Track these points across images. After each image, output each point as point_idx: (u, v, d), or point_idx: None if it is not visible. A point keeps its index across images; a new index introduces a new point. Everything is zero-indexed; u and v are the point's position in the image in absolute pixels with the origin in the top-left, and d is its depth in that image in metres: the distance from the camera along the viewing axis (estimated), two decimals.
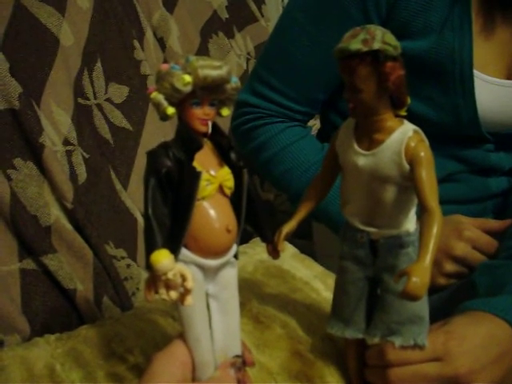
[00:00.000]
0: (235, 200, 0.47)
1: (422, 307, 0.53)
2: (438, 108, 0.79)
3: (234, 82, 0.44)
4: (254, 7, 1.30)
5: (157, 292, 0.42)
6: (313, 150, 0.85)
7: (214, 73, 0.41)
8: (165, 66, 0.42)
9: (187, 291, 0.42)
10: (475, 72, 0.76)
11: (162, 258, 0.41)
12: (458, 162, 0.84)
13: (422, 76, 0.77)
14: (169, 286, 0.41)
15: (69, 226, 0.76)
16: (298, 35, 0.83)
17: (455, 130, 0.81)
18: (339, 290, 0.56)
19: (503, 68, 0.79)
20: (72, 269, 0.76)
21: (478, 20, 0.76)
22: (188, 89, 0.41)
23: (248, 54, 1.27)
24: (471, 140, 0.82)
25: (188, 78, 0.41)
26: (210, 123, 0.44)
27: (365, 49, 0.43)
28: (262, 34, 1.30)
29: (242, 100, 0.89)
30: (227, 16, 1.24)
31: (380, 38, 0.43)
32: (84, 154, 0.82)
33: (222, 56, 1.18)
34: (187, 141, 0.43)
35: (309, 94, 0.86)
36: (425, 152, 0.46)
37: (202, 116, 0.43)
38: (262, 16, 1.33)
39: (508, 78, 0.79)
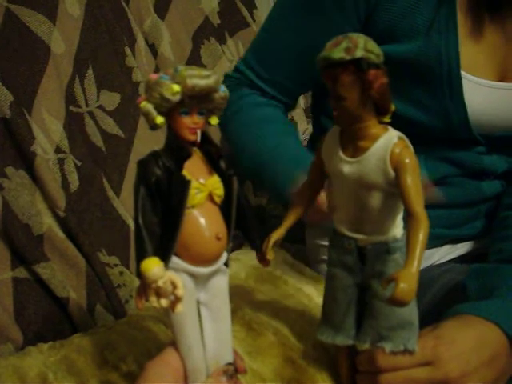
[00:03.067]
0: (225, 208, 0.47)
1: (412, 312, 0.53)
2: (428, 111, 0.79)
3: (223, 91, 0.44)
4: (245, 12, 1.31)
5: (147, 300, 0.42)
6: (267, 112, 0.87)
7: (202, 82, 0.42)
8: (154, 76, 0.43)
9: (178, 299, 0.42)
10: (465, 74, 0.76)
11: (153, 265, 0.41)
12: (451, 165, 0.84)
13: (411, 79, 0.77)
14: (159, 293, 0.41)
15: (61, 235, 0.76)
16: (281, 25, 0.86)
17: (446, 132, 0.80)
18: (329, 297, 0.57)
19: (494, 70, 0.79)
20: (65, 277, 0.75)
21: (466, 22, 0.76)
22: (177, 98, 0.42)
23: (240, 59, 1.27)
24: (463, 142, 0.82)
25: (177, 88, 0.41)
26: (198, 132, 0.44)
27: (348, 57, 0.43)
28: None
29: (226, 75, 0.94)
30: (219, 21, 1.24)
31: (362, 46, 0.43)
32: (76, 161, 0.82)
33: (213, 62, 1.19)
34: (176, 149, 0.44)
35: (279, 79, 0.88)
36: (410, 158, 0.46)
37: (191, 125, 0.43)
38: (254, 21, 1.34)
39: (499, 80, 0.79)
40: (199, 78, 0.42)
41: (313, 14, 0.80)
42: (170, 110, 0.43)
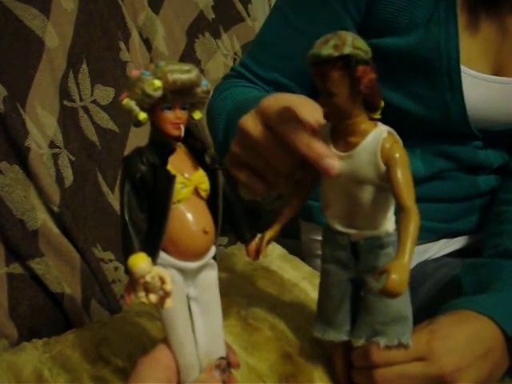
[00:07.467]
0: (212, 202, 0.47)
1: (406, 307, 0.53)
2: (427, 104, 0.79)
3: (205, 85, 0.44)
4: (240, 7, 1.30)
5: (136, 296, 0.42)
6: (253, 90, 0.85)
7: (184, 77, 0.42)
8: (135, 73, 0.43)
9: (166, 294, 0.42)
10: (462, 67, 0.76)
11: (140, 261, 0.41)
12: (447, 159, 0.84)
13: (410, 72, 0.77)
14: (148, 289, 0.41)
15: (56, 230, 0.76)
16: (278, 21, 0.85)
17: (444, 126, 0.80)
18: (323, 293, 0.56)
19: (490, 64, 0.79)
20: (59, 272, 0.76)
21: (462, 16, 0.76)
22: (158, 93, 0.41)
23: (235, 53, 1.27)
24: (460, 137, 0.82)
25: (158, 83, 0.41)
26: (182, 127, 0.44)
27: (336, 54, 0.44)
28: (248, 33, 1.30)
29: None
30: (213, 16, 1.24)
31: (350, 43, 0.44)
32: (70, 156, 0.82)
33: (208, 56, 1.18)
34: (160, 145, 0.44)
35: (274, 77, 0.86)
36: (400, 153, 0.46)
37: (174, 120, 0.43)
38: (249, 16, 1.33)
39: (495, 74, 0.79)
40: (180, 73, 0.42)
41: (313, 8, 0.79)
42: (153, 106, 0.43)
